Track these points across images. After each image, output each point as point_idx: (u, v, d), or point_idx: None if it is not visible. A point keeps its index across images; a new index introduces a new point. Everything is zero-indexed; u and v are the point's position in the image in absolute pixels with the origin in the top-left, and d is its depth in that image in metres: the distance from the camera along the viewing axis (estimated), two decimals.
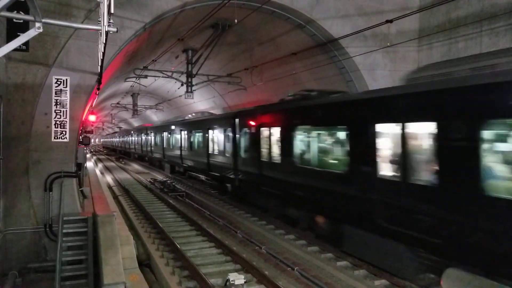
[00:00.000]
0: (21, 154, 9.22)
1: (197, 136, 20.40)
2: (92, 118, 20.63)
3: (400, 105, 7.42)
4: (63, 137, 9.56)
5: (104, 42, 5.89)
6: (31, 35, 4.52)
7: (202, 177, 20.91)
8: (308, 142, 10.53)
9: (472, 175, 5.90)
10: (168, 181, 23.44)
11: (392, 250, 7.57)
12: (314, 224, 10.58)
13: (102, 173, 27.52)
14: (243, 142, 14.39)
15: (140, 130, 38.98)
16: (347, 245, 8.97)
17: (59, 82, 9.46)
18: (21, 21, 8.37)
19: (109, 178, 25.60)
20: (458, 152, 6.24)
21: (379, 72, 13.59)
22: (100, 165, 37.09)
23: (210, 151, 17.94)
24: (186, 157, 22.41)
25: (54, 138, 9.48)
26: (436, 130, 6.51)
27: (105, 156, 55.64)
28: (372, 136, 7.93)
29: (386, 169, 7.64)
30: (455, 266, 6.14)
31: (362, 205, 8.13)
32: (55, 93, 9.45)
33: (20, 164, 9.21)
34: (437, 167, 6.54)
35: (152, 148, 32.55)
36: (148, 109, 38.39)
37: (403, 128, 7.15)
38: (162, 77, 20.92)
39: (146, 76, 20.46)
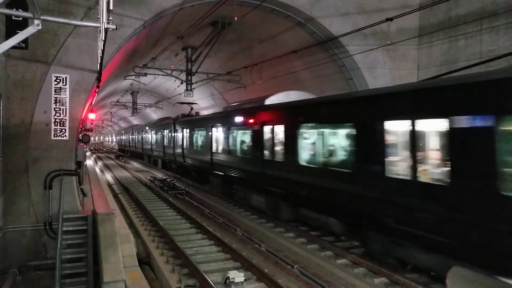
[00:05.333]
0: (20, 152, 9.21)
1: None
2: (91, 116, 20.61)
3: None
4: (62, 135, 9.55)
5: (103, 39, 5.88)
6: (30, 32, 4.52)
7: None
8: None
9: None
10: (168, 179, 23.45)
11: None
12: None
13: (102, 171, 27.52)
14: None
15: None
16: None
17: (58, 80, 9.45)
18: (20, 18, 8.35)
19: (108, 176, 25.60)
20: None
21: (379, 70, 13.58)
22: (100, 163, 37.06)
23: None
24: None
25: (54, 136, 9.47)
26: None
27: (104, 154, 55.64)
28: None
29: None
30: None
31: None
32: (55, 91, 9.43)
33: (19, 162, 9.20)
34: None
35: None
36: (148, 107, 38.37)
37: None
38: (162, 75, 20.90)
39: (145, 74, 20.45)
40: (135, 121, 52.08)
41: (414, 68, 13.84)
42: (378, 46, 12.92)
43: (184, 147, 21.89)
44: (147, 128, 35.70)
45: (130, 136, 46.98)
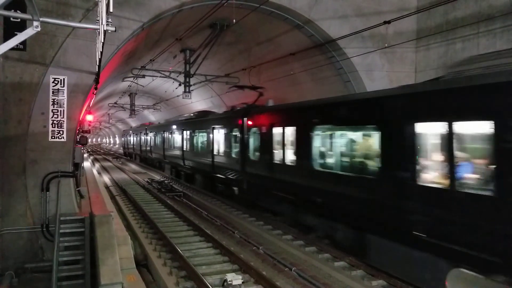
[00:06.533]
0: (18, 153, 9.17)
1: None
2: (89, 117, 20.58)
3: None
4: (60, 137, 9.52)
5: (102, 41, 5.88)
6: (29, 34, 4.51)
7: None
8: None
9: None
10: (166, 181, 23.40)
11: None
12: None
13: (99, 173, 27.44)
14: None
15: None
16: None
17: (56, 82, 9.43)
18: (18, 20, 8.34)
19: (106, 178, 25.53)
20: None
21: (376, 73, 13.62)
22: (97, 165, 36.95)
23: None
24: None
25: (51, 138, 9.45)
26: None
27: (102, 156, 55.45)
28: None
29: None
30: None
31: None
32: (52, 93, 9.42)
33: (17, 164, 9.17)
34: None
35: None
36: (145, 109, 38.35)
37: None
38: (160, 77, 20.88)
39: (143, 76, 20.41)
40: (133, 123, 51.90)
41: (411, 70, 13.89)
42: (376, 48, 12.96)
43: (278, 161, 11.80)
44: (175, 127, 24.94)
45: (143, 138, 36.33)
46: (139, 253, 9.75)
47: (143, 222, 12.94)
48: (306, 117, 10.64)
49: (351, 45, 13.18)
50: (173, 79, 20.17)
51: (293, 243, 10.41)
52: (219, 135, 17.00)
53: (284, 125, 11.68)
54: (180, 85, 19.84)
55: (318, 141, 10.17)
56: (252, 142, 13.73)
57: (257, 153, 13.27)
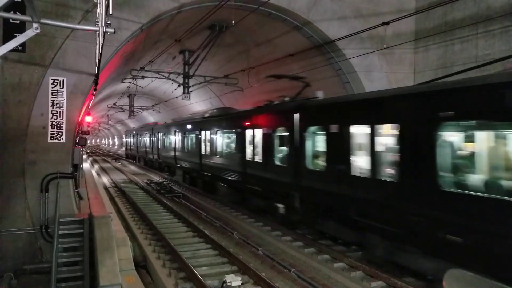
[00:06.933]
0: (17, 155, 9.17)
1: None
2: (88, 119, 20.59)
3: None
4: (59, 138, 9.53)
5: (101, 42, 5.89)
6: (29, 35, 4.52)
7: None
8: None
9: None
10: (165, 183, 23.40)
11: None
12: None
13: (98, 174, 27.42)
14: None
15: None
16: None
17: (55, 83, 9.44)
18: (18, 21, 8.34)
19: (105, 179, 25.51)
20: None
21: (375, 74, 13.65)
22: (96, 166, 36.90)
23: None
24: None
25: (51, 139, 9.45)
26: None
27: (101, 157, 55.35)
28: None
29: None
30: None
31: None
32: (52, 94, 9.42)
33: (16, 165, 9.17)
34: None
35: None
36: (144, 110, 38.36)
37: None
38: (159, 78, 20.90)
39: (143, 77, 20.43)
40: (132, 124, 51.83)
41: (410, 71, 13.93)
42: (375, 49, 12.99)
43: (362, 173, 8.52)
44: (190, 126, 20.78)
45: (149, 139, 32.52)
46: (138, 254, 9.74)
47: (142, 223, 12.93)
48: (423, 110, 6.92)
49: (349, 46, 13.22)
50: (172, 80, 20.19)
51: (292, 244, 10.40)
52: (253, 136, 13.34)
53: (373, 122, 8.02)
54: (179, 86, 19.85)
55: (451, 147, 6.59)
56: (311, 146, 10.17)
57: (321, 162, 9.83)
